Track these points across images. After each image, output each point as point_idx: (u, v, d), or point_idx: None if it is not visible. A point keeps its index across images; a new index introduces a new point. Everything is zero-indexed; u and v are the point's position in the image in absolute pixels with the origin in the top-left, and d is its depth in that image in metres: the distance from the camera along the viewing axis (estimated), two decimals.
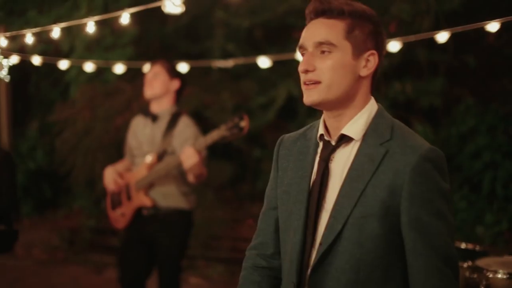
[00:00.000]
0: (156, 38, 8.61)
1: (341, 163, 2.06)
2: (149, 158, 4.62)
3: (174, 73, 4.73)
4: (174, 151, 4.58)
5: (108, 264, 7.27)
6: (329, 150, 2.09)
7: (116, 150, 5.12)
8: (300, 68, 2.05)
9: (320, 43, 2.02)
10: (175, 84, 4.72)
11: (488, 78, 7.65)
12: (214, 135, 4.28)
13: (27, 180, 9.21)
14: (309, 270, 2.05)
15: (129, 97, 7.37)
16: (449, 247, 1.94)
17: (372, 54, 2.04)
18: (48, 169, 8.91)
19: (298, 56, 5.75)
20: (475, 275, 3.75)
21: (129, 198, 4.70)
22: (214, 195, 7.52)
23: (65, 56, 7.70)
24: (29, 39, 4.96)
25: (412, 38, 5.19)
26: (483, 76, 7.52)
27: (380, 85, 7.13)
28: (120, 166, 4.87)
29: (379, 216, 1.96)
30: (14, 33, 5.23)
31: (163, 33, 8.52)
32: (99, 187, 7.17)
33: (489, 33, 6.61)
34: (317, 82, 2.03)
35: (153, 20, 8.31)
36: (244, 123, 4.14)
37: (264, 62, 5.93)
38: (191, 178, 4.47)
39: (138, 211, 4.68)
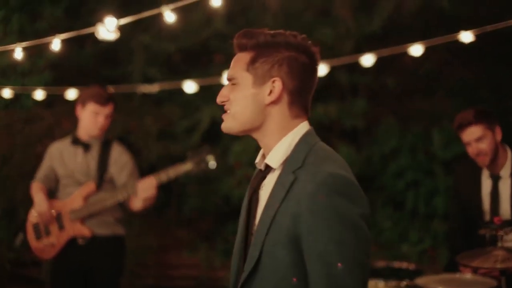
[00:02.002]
0: (74, 63, 8.42)
1: (268, 190, 2.11)
2: (86, 187, 4.54)
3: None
4: (112, 179, 4.55)
5: None
6: (259, 178, 2.17)
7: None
8: (217, 100, 2.18)
9: (229, 79, 2.15)
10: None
11: (405, 98, 7.86)
12: (178, 169, 4.28)
13: None
14: None
15: (50, 124, 7.18)
16: (345, 276, 1.91)
17: (276, 81, 2.08)
18: None
19: (224, 80, 5.78)
20: None
21: (61, 227, 4.58)
22: (141, 221, 7.41)
23: None
24: None
25: (337, 61, 5.30)
26: (401, 96, 7.73)
27: None
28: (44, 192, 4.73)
29: (285, 243, 1.98)
30: None
31: (81, 57, 8.35)
32: (20, 217, 6.93)
33: (405, 55, 6.82)
34: (227, 112, 2.16)
35: (70, 43, 8.14)
36: (211, 158, 4.16)
37: (190, 86, 5.90)
38: (138, 206, 4.46)
39: (71, 240, 4.58)
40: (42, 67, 7.86)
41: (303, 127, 2.14)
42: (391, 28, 6.97)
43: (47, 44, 7.55)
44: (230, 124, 2.15)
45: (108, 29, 3.76)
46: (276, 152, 2.12)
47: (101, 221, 4.58)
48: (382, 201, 7.09)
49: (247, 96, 2.11)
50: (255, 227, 2.12)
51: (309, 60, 2.13)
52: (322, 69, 5.17)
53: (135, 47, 7.73)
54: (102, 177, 4.57)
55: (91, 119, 4.59)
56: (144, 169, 5.76)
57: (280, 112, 2.12)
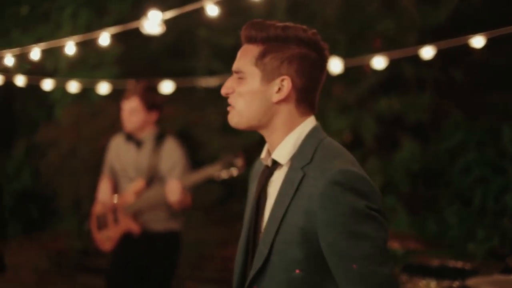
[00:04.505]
0: (141, 56, 8.53)
1: (276, 187, 2.08)
2: (136, 184, 4.57)
3: (151, 106, 4.63)
4: (162, 176, 4.56)
5: (97, 286, 7.17)
6: (266, 174, 2.13)
7: (101, 171, 5.07)
8: (222, 91, 2.12)
9: (235, 72, 2.08)
10: (153, 115, 4.66)
11: (475, 92, 7.60)
12: (208, 172, 4.24)
13: (14, 201, 9.10)
14: None
15: (114, 117, 7.29)
16: (373, 268, 1.89)
17: (285, 79, 2.03)
18: (35, 190, 8.80)
19: None
20: None
21: (116, 221, 4.65)
22: (203, 215, 7.44)
23: (50, 76, 7.61)
24: (9, 60, 4.86)
25: (397, 54, 5.16)
26: (470, 90, 7.47)
27: (366, 101, 7.07)
28: (110, 184, 4.79)
29: (298, 242, 1.95)
30: None
31: (147, 51, 8.44)
32: (85, 208, 7.09)
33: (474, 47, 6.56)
34: (233, 107, 2.09)
35: (138, 38, 8.24)
36: (240, 162, 4.11)
37: None
38: (174, 207, 4.46)
39: (126, 234, 4.64)
40: (109, 61, 8.01)
41: (310, 122, 2.11)
42: (458, 20, 6.73)
43: (114, 39, 7.62)
44: (237, 120, 2.08)
45: (153, 23, 3.77)
46: (283, 148, 2.07)
47: (155, 216, 4.61)
48: (448, 197, 6.88)
49: (254, 92, 2.05)
50: (263, 224, 2.09)
51: (319, 57, 2.08)
52: (380, 62, 5.05)
53: (199, 40, 7.74)
54: (152, 174, 4.58)
55: (121, 114, 4.65)
56: (206, 163, 5.75)
57: (287, 110, 2.07)
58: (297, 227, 1.96)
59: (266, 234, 2.03)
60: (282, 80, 2.03)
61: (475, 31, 4.65)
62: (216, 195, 7.16)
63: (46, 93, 8.03)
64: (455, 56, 7.18)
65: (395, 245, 4.32)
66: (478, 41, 4.75)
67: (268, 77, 2.04)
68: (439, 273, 4.11)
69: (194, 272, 7.17)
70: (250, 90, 2.05)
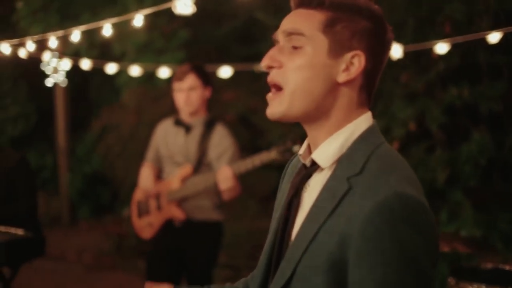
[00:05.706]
0: (209, 41, 8.44)
1: (313, 194, 1.63)
2: (184, 170, 4.43)
3: (207, 81, 4.45)
4: (210, 163, 4.40)
5: None
6: (302, 175, 1.69)
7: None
8: (262, 63, 1.64)
9: (289, 33, 1.60)
10: (208, 92, 4.49)
11: None
12: (262, 159, 4.05)
13: (83, 184, 9.24)
14: None
15: (173, 101, 7.26)
16: None
17: (357, 55, 1.59)
18: (103, 174, 8.90)
19: None
20: None
21: (159, 207, 4.53)
22: (259, 205, 7.27)
23: (117, 60, 7.65)
24: (53, 43, 4.86)
25: (460, 39, 4.83)
26: None
27: (435, 89, 6.71)
28: (153, 171, 4.68)
29: (323, 269, 1.53)
30: (39, 36, 5.15)
31: (216, 36, 8.35)
32: None
33: None
34: (280, 88, 1.62)
35: (206, 22, 8.16)
36: (297, 148, 3.89)
37: None
38: (224, 196, 4.31)
39: (168, 221, 4.51)
40: (176, 45, 7.98)
41: (365, 119, 1.65)
42: None
43: (181, 23, 7.55)
44: (286, 105, 1.62)
45: (184, 3, 3.65)
46: (328, 148, 1.63)
47: (197, 205, 4.45)
48: None
49: (317, 65, 1.59)
50: (292, 236, 1.66)
51: (386, 37, 1.66)
52: (443, 48, 4.75)
53: (265, 26, 7.57)
54: (200, 160, 4.42)
55: (176, 98, 4.49)
56: (264, 149, 5.54)
57: (348, 96, 1.63)
58: (327, 252, 1.53)
59: (292, 252, 1.62)
60: (353, 56, 1.60)
61: None
62: (271, 185, 6.96)
63: (115, 77, 8.11)
64: None
65: (455, 247, 3.98)
66: None
67: (337, 50, 1.60)
68: (491, 278, 3.77)
69: (249, 262, 7.03)
70: (312, 62, 1.59)
